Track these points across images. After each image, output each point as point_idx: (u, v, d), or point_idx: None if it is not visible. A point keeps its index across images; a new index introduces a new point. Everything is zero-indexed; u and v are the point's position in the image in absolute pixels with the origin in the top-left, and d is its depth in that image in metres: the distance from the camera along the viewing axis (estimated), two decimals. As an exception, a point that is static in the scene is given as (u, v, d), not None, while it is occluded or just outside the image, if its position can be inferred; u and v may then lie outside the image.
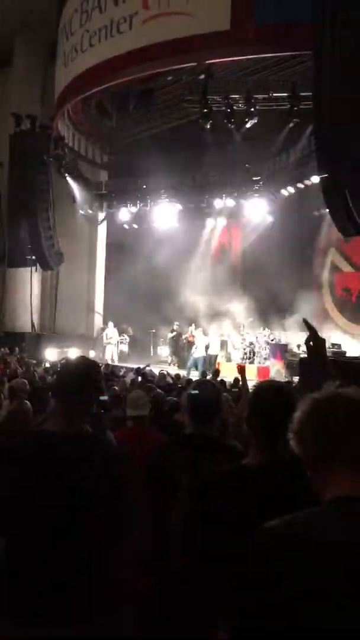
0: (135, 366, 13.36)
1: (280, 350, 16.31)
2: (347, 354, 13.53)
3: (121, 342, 19.73)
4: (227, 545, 1.60)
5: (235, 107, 14.63)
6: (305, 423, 1.46)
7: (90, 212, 20.27)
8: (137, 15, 13.65)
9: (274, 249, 17.47)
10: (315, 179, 13.42)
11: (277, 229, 18.51)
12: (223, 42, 12.37)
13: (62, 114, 17.67)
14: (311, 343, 2.36)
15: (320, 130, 10.26)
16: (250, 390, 2.50)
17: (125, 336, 20.03)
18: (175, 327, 18.42)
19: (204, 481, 2.02)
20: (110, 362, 17.13)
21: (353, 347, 15.21)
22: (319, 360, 2.29)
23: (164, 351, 20.12)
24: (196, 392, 2.81)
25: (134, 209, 19.96)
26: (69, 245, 20.01)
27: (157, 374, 11.87)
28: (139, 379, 10.40)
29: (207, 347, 17.10)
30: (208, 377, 11.34)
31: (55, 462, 1.97)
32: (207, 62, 13.65)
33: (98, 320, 21.62)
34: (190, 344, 17.39)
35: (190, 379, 10.67)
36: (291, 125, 14.90)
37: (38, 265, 19.59)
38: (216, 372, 13.22)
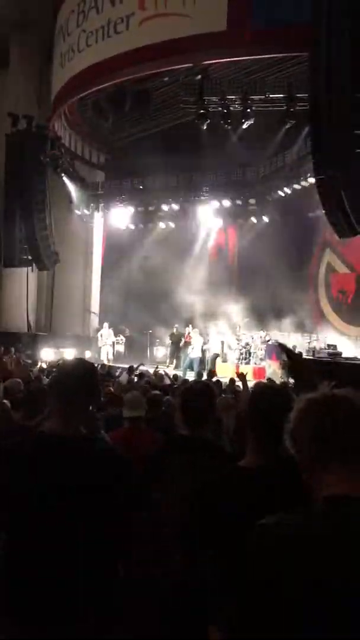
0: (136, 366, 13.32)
1: (276, 351, 16.33)
2: (343, 355, 13.56)
3: (117, 343, 19.71)
4: (227, 546, 1.61)
5: (231, 108, 14.65)
6: (300, 423, 1.46)
7: (86, 212, 20.26)
8: (134, 16, 13.68)
9: (270, 250, 17.48)
10: (312, 180, 13.45)
11: (273, 230, 18.55)
12: (219, 43, 12.41)
13: (58, 114, 17.68)
14: (288, 365, 2.38)
15: (316, 131, 10.29)
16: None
17: (122, 337, 20.01)
18: (175, 330, 18.36)
19: (203, 483, 2.02)
20: (106, 362, 17.12)
21: (349, 348, 15.25)
22: (305, 379, 2.30)
23: (160, 352, 20.11)
24: (189, 393, 2.81)
25: (130, 210, 19.97)
26: (65, 245, 19.99)
27: (152, 373, 11.86)
28: (136, 379, 10.39)
29: (203, 348, 17.10)
30: (204, 378, 11.36)
31: (53, 463, 1.98)
32: (203, 63, 13.70)
33: (94, 320, 21.61)
34: (187, 344, 17.38)
35: (187, 380, 10.67)
36: (288, 126, 14.93)
37: (34, 265, 19.56)
38: (211, 373, 13.21)
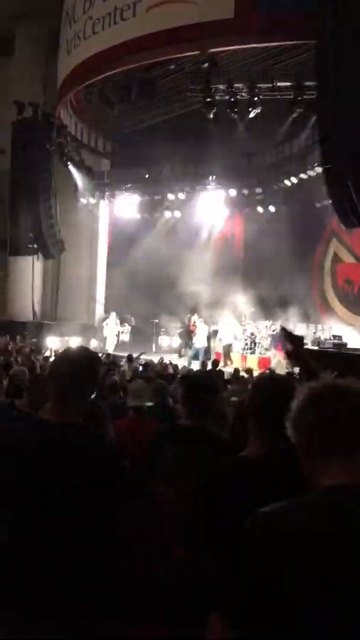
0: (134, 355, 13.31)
1: (280, 336, 16.22)
2: (348, 346, 13.54)
3: (122, 332, 19.72)
4: (230, 541, 1.61)
5: (238, 97, 14.54)
6: (301, 413, 1.45)
7: (92, 200, 20.21)
8: (141, 3, 13.56)
9: (276, 240, 17.41)
10: (319, 170, 13.36)
11: (279, 220, 18.46)
12: (226, 31, 12.30)
13: (64, 102, 17.60)
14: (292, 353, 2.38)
15: (323, 121, 10.22)
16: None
17: (127, 326, 20.02)
18: (186, 320, 18.29)
19: (206, 477, 2.01)
20: (111, 351, 17.15)
21: (354, 338, 15.21)
22: (310, 369, 2.29)
23: (165, 341, 20.11)
24: (191, 383, 2.80)
25: (136, 198, 19.91)
26: (71, 233, 19.98)
27: (157, 362, 11.89)
28: (140, 368, 10.42)
29: (208, 337, 17.10)
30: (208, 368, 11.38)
31: (42, 449, 1.96)
32: (210, 50, 13.57)
33: (99, 309, 21.62)
34: (192, 333, 17.37)
35: (191, 369, 10.69)
36: (295, 115, 14.81)
37: (40, 253, 19.57)
38: (215, 363, 13.23)
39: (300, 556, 1.28)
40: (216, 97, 14.62)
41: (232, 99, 14.52)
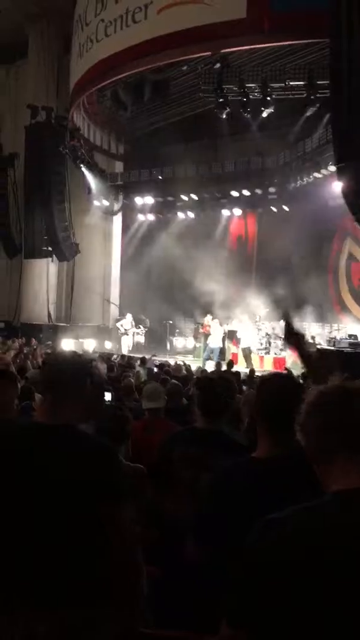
0: (149, 357, 13.33)
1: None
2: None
3: (137, 334, 19.74)
4: (240, 539, 1.61)
5: (251, 96, 14.52)
6: (309, 415, 1.44)
7: (105, 203, 20.28)
8: (152, 5, 13.58)
9: (290, 239, 17.32)
10: (332, 169, 13.29)
11: (293, 219, 18.37)
12: (238, 31, 12.27)
13: (77, 105, 17.68)
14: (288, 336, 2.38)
15: (337, 119, 10.16)
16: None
17: (142, 327, 20.03)
18: (205, 321, 18.19)
19: (216, 476, 2.01)
20: (126, 353, 17.17)
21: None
22: (321, 371, 2.28)
23: (180, 342, 20.10)
24: (206, 384, 2.79)
25: (149, 200, 19.95)
26: (85, 236, 20.07)
27: (173, 365, 11.86)
28: (155, 370, 10.41)
29: (223, 338, 17.04)
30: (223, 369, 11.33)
31: (33, 450, 1.97)
32: (222, 51, 13.55)
33: (114, 311, 21.69)
34: (206, 334, 17.31)
35: (205, 370, 10.66)
36: (308, 114, 14.76)
37: (54, 256, 19.68)
38: (230, 363, 13.18)
39: (307, 563, 1.27)
40: (229, 97, 14.62)
41: (245, 99, 14.50)
